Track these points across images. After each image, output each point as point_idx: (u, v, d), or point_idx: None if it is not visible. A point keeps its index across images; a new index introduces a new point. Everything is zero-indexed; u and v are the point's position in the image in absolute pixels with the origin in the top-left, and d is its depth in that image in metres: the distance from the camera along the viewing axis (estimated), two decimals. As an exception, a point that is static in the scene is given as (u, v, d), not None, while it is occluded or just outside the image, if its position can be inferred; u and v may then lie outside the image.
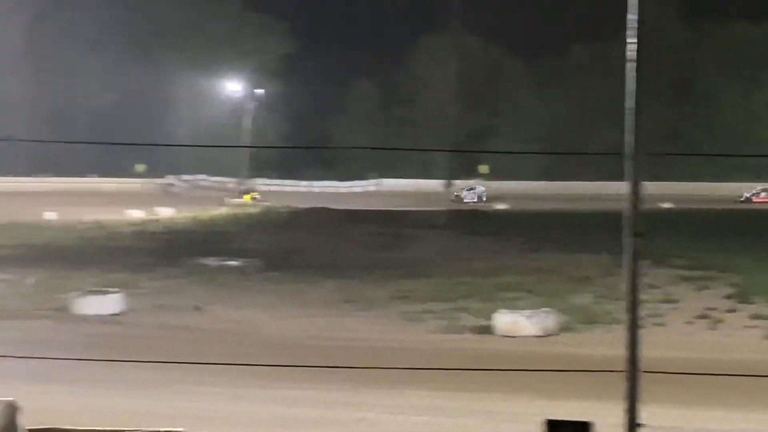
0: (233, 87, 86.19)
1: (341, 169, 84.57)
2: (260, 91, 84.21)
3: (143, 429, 9.11)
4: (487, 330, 22.12)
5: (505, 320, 22.05)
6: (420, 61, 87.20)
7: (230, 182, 79.11)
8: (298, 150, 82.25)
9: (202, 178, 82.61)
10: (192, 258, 34.75)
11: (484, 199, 70.67)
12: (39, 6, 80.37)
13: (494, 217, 54.15)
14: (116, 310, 24.78)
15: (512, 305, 24.14)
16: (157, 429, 9.26)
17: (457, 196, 72.26)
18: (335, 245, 39.25)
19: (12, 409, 9.27)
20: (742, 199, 69.19)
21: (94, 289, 26.70)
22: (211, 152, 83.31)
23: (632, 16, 7.16)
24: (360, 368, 14.07)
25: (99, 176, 76.68)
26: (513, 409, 13.85)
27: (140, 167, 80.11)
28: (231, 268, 33.46)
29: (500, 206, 60.03)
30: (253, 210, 58.31)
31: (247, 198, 64.60)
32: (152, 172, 78.51)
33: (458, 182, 76.96)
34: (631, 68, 7.17)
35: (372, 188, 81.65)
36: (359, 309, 25.80)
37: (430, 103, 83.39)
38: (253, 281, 30.62)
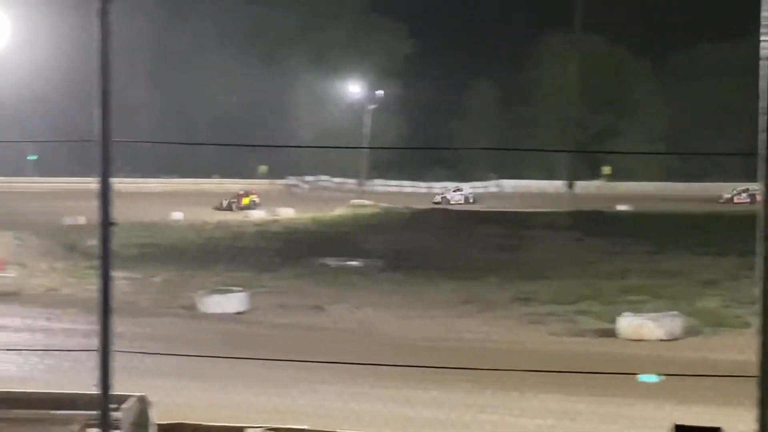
0: (353, 88, 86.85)
1: (461, 170, 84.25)
2: (380, 92, 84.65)
3: (269, 426, 9.23)
4: (611, 333, 21.78)
5: (629, 323, 21.68)
6: (542, 60, 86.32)
7: (351, 183, 79.74)
8: (417, 151, 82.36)
9: (324, 179, 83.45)
10: (313, 258, 35.16)
11: (471, 200, 69.03)
12: (164, 11, 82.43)
13: (617, 218, 53.24)
14: (240, 309, 25.30)
15: (637, 308, 23.72)
16: (282, 426, 9.36)
17: (443, 197, 69.67)
18: (455, 246, 39.18)
19: (144, 403, 9.53)
20: (722, 200, 67.11)
21: (220, 287, 27.30)
22: (332, 153, 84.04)
23: (766, 14, 6.94)
24: (483, 370, 13.97)
25: (223, 177, 78.22)
26: (639, 413, 13.59)
27: (263, 168, 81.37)
28: (352, 269, 33.76)
29: (623, 207, 58.97)
30: (372, 211, 58.60)
31: (246, 201, 62.54)
32: (275, 174, 79.66)
33: (449, 184, 75.68)
34: (764, 66, 6.95)
35: (493, 189, 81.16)
36: (480, 310, 25.70)
37: (552, 104, 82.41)
38: (374, 281, 30.80)
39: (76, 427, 7.45)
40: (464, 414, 13.58)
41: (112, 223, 7.94)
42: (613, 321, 22.14)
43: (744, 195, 67.76)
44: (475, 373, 14.34)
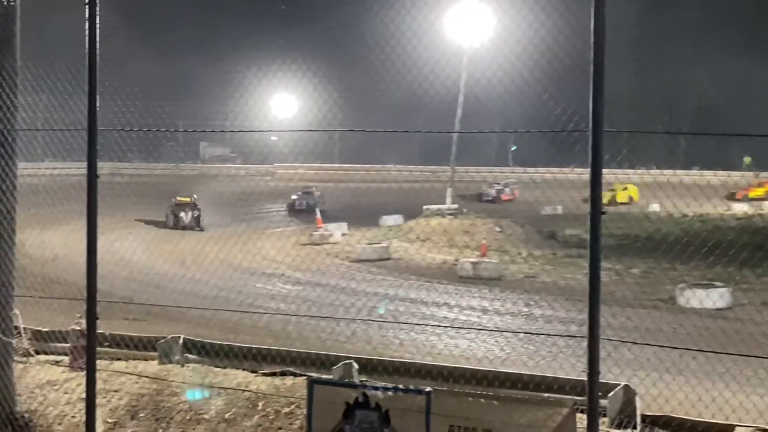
0: None
1: None
2: None
3: (761, 426, 8.85)
4: None
5: None
6: None
7: None
8: None
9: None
10: (803, 255, 33.06)
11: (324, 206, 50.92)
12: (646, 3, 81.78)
13: None
14: (722, 305, 24.52)
15: None
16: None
17: (298, 204, 53.69)
18: None
19: (630, 392, 9.57)
20: (488, 197, 56.11)
21: (700, 282, 26.64)
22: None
23: None
24: None
25: (702, 169, 75.90)
26: None
27: (747, 159, 77.96)
28: None
29: None
30: None
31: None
32: (763, 165, 75.92)
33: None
34: None
35: None
36: None
37: None
38: None
39: (564, 410, 7.61)
40: None
41: (602, 213, 8.00)
42: None
43: (508, 191, 58.26)
44: None
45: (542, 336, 18.50)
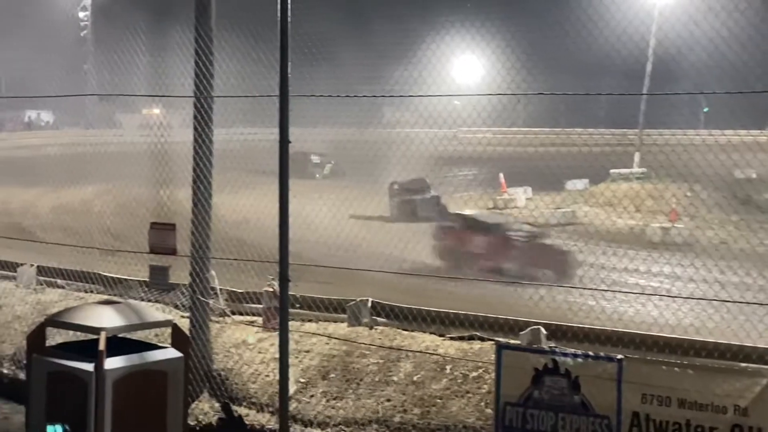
0: None
1: None
2: None
3: None
4: None
5: None
6: None
7: None
8: None
9: None
10: None
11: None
12: None
13: None
14: None
15: None
16: None
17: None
18: None
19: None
20: None
21: None
22: None
23: None
24: None
25: None
26: None
27: None
28: None
29: None
30: None
31: None
32: None
33: None
34: None
35: None
36: None
37: None
38: None
39: (764, 380, 7.32)
40: None
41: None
42: None
43: None
44: None
45: (739, 304, 17.81)
